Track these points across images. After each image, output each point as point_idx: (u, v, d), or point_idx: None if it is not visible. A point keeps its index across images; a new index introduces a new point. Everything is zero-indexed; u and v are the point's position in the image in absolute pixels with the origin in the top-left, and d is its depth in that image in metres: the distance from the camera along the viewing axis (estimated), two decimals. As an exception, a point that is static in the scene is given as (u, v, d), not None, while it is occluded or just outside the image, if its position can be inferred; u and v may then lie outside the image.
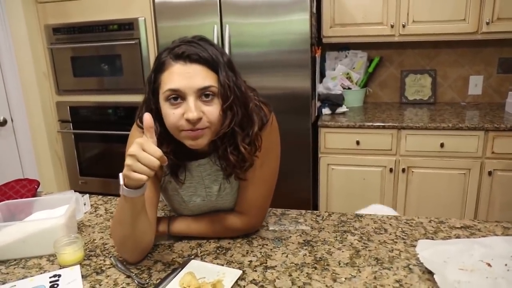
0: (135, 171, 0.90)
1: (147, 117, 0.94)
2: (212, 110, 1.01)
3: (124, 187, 0.95)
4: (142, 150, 0.90)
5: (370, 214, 1.36)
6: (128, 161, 0.90)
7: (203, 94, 1.00)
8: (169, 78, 1.00)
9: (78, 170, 3.28)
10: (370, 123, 2.59)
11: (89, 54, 3.01)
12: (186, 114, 0.99)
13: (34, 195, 1.55)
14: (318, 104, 2.87)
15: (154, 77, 1.05)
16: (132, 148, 0.90)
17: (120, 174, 0.95)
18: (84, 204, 1.48)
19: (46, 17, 3.02)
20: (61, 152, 3.28)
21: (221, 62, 1.02)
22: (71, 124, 3.19)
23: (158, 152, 0.91)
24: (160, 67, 1.03)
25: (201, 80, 1.00)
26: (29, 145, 3.07)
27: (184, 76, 0.99)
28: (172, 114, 1.01)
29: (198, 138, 1.03)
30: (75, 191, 1.51)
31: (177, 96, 1.00)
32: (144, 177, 0.90)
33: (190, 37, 1.06)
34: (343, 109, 2.88)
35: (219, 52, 1.04)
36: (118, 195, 1.51)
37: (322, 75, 3.10)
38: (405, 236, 1.20)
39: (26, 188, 1.55)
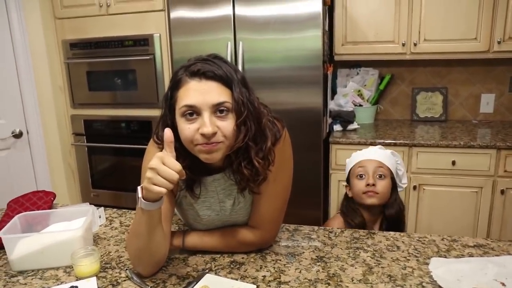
0: (155, 184, 0.92)
1: (168, 132, 0.97)
2: (227, 125, 1.04)
3: (142, 200, 0.97)
4: (162, 163, 0.92)
5: (383, 232, 1.37)
6: (148, 174, 0.93)
7: (217, 109, 1.03)
8: (185, 94, 1.04)
9: (90, 182, 3.32)
10: (382, 140, 2.60)
11: (104, 69, 3.07)
12: (201, 129, 1.02)
13: (50, 207, 1.57)
14: (329, 120, 2.88)
15: (171, 94, 1.08)
16: (153, 161, 0.93)
17: (138, 187, 0.98)
18: (99, 217, 1.51)
19: (64, 33, 3.09)
20: (74, 165, 3.32)
21: (235, 79, 1.06)
22: (85, 137, 3.24)
23: (178, 166, 0.93)
24: (176, 84, 1.07)
25: (216, 96, 1.03)
26: (43, 157, 3.12)
27: (200, 92, 1.02)
28: (187, 129, 1.04)
29: (212, 152, 1.05)
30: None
31: (193, 112, 1.03)
32: (163, 190, 0.92)
33: (205, 55, 1.10)
34: (354, 126, 2.89)
35: (233, 70, 1.07)
36: (129, 208, 1.54)
37: (334, 92, 3.13)
38: (417, 253, 1.20)
39: (43, 200, 1.58)
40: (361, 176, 1.62)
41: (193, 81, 1.04)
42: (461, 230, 2.55)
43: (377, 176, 1.60)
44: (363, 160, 1.65)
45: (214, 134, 1.02)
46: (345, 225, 1.63)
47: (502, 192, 2.45)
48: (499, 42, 2.58)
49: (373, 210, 1.63)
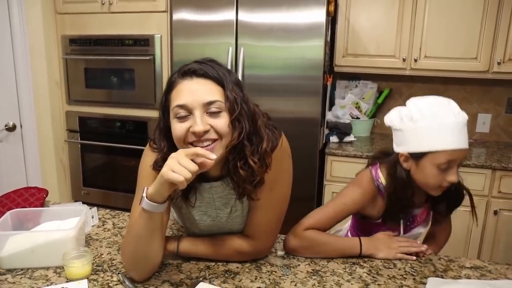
0: (174, 171, 0.92)
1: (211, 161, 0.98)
2: (220, 122, 1.03)
3: (146, 199, 0.96)
4: (186, 155, 0.94)
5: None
6: (169, 161, 0.94)
7: (209, 108, 1.02)
8: (176, 95, 1.04)
9: (81, 180, 3.27)
10: (378, 154, 2.59)
11: (103, 67, 3.04)
12: (192, 127, 1.01)
13: (42, 204, 1.55)
14: (326, 131, 2.88)
15: (165, 97, 1.08)
16: (175, 153, 0.95)
17: (145, 188, 0.97)
18: (92, 217, 1.48)
19: (64, 28, 3.06)
20: (66, 161, 3.28)
21: (227, 78, 1.05)
22: (78, 134, 3.20)
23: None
24: (169, 86, 1.07)
25: (207, 94, 1.02)
26: (35, 152, 3.07)
27: (190, 91, 1.02)
28: (179, 128, 1.03)
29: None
30: (76, 201, 1.51)
31: (184, 112, 1.02)
32: (181, 177, 0.92)
33: (200, 59, 1.09)
34: (350, 138, 2.89)
35: (226, 71, 1.07)
36: (119, 208, 1.52)
37: (332, 103, 3.12)
38: (414, 272, 1.19)
39: (35, 197, 1.55)
40: (445, 169, 1.22)
41: (185, 80, 1.04)
42: (452, 249, 2.53)
43: (458, 167, 1.25)
44: (455, 151, 1.21)
45: (206, 132, 1.01)
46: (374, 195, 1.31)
47: (495, 212, 2.45)
48: (499, 63, 2.60)
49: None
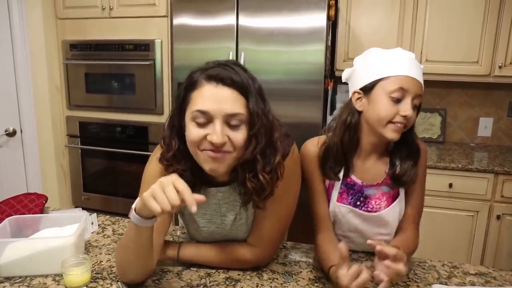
0: (154, 198, 0.87)
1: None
2: (238, 136, 1.00)
3: (134, 211, 0.94)
4: (173, 186, 0.87)
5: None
6: (154, 186, 0.88)
7: (230, 120, 0.99)
8: (199, 98, 1.00)
9: (82, 185, 3.26)
10: (379, 159, 2.58)
11: (103, 72, 3.04)
12: (211, 136, 0.98)
13: (42, 211, 1.53)
14: (327, 135, 2.86)
15: (184, 94, 1.04)
16: (165, 178, 0.89)
17: (138, 198, 0.95)
18: (92, 224, 1.46)
19: (64, 33, 3.06)
20: (66, 166, 3.27)
21: (252, 88, 1.02)
22: (79, 139, 3.19)
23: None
24: (191, 85, 1.02)
25: (230, 105, 0.99)
26: (35, 158, 3.07)
27: (214, 99, 0.98)
28: (195, 132, 1.00)
29: (219, 162, 1.01)
30: (77, 207, 1.50)
31: (204, 118, 0.99)
32: (158, 209, 0.86)
33: (224, 60, 1.06)
34: (352, 142, 2.87)
35: (250, 78, 1.04)
36: (120, 214, 1.50)
37: (333, 108, 3.11)
38: (417, 279, 1.18)
39: (34, 203, 1.54)
40: (398, 100, 1.17)
41: (209, 85, 1.00)
42: (456, 254, 2.53)
43: (413, 106, 1.18)
44: (407, 78, 1.17)
45: (223, 144, 0.99)
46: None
47: (498, 217, 2.43)
48: (500, 67, 2.59)
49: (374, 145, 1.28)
